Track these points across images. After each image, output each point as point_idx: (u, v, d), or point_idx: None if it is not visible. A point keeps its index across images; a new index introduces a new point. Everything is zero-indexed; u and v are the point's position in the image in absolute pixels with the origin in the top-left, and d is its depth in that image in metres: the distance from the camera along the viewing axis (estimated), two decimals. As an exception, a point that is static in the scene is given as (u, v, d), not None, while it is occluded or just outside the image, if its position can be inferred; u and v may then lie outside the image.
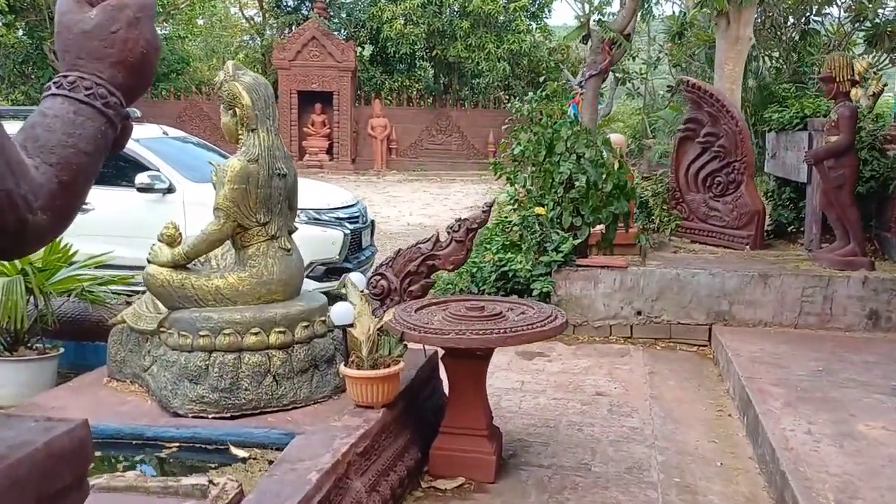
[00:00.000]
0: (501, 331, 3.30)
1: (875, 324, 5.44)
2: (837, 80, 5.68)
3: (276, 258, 3.45)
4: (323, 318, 3.46)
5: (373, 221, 8.04)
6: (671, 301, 5.74)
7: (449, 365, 3.55)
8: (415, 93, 24.30)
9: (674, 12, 20.86)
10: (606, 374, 5.10)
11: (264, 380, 3.29)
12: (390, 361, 3.29)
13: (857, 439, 3.51)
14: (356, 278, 3.71)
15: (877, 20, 13.95)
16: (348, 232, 7.11)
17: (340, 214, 7.25)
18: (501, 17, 22.83)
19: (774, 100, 14.37)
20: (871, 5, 13.21)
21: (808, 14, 14.75)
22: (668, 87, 19.72)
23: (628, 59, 21.57)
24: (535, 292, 5.83)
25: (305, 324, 3.43)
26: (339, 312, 3.25)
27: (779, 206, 7.42)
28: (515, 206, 6.33)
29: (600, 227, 6.27)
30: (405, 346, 3.43)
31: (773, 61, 15.44)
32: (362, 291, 3.71)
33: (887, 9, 14.04)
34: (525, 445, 3.92)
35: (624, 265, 5.88)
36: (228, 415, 3.24)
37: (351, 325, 3.27)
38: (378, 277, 4.08)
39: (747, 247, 6.88)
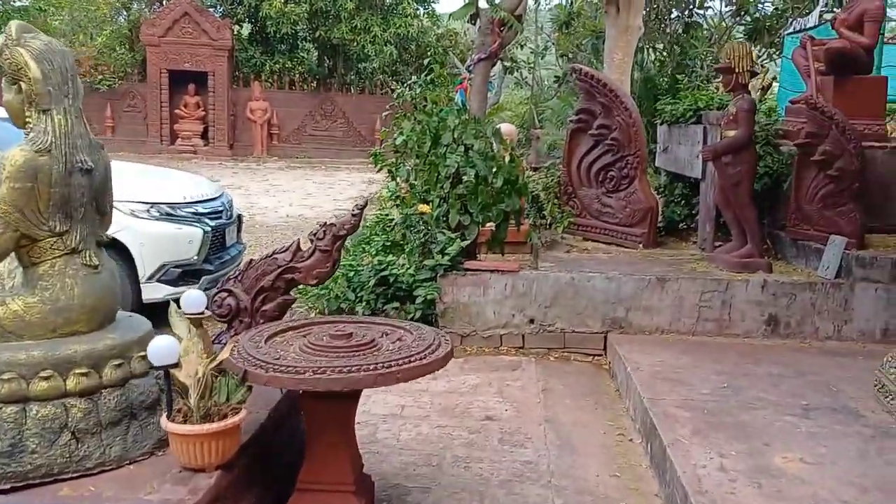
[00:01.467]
0: (372, 367, 2.66)
1: (773, 330, 5.18)
2: (737, 70, 5.37)
3: (78, 278, 2.66)
4: (143, 353, 2.69)
5: (240, 216, 7.18)
6: (566, 308, 5.27)
7: (308, 408, 2.88)
8: (297, 75, 23.16)
9: (561, 1, 20.87)
10: (497, 393, 4.56)
11: (59, 438, 2.52)
12: (228, 411, 2.58)
13: (776, 476, 3.11)
14: (192, 298, 2.96)
15: (757, 15, 14.23)
16: (209, 229, 6.25)
17: (200, 209, 6.38)
18: (388, 0, 22.06)
19: (659, 91, 14.52)
20: (752, 0, 13.37)
21: (691, 7, 14.88)
22: (556, 77, 19.70)
23: (516, 48, 21.41)
24: (418, 299, 5.22)
25: (118, 361, 2.66)
26: (159, 349, 2.50)
27: (671, 203, 7.15)
28: (398, 203, 5.70)
29: (490, 226, 5.74)
30: (249, 388, 2.74)
31: (658, 53, 15.53)
32: (201, 314, 2.98)
33: (766, 4, 14.31)
34: (402, 493, 3.31)
35: (516, 269, 5.36)
36: (8, 486, 2.45)
37: (176, 366, 2.54)
38: (224, 295, 3.34)
39: (640, 245, 6.55)
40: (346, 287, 5.47)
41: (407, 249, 5.43)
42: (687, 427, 3.60)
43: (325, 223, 3.33)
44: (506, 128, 6.96)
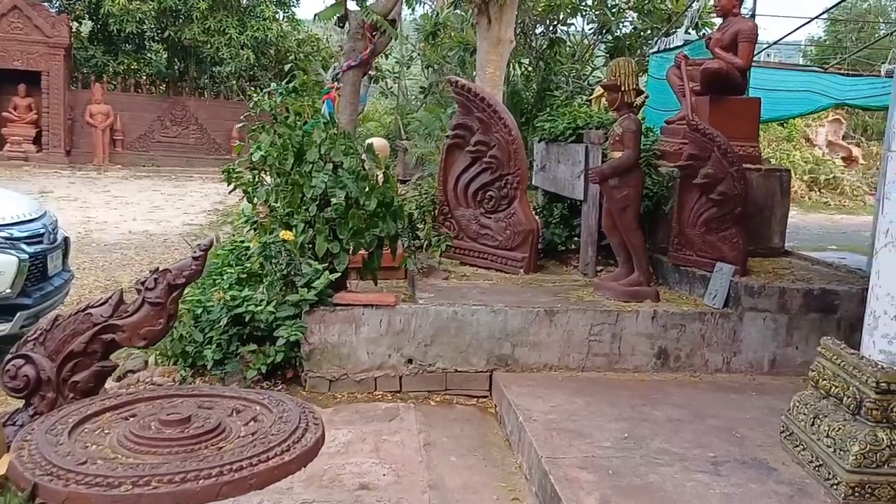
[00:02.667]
0: (216, 471, 1.99)
1: (664, 363, 4.90)
2: (623, 89, 5.07)
3: None
4: None
5: (67, 239, 6.16)
6: (447, 345, 4.75)
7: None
8: (144, 78, 21.50)
9: (427, 11, 20.61)
10: (372, 452, 3.95)
11: None
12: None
13: (701, 555, 2.70)
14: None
15: (618, 33, 14.48)
16: (26, 256, 5.28)
17: (15, 232, 5.38)
18: (245, 1, 20.91)
19: (525, 106, 14.46)
20: (613, 18, 13.56)
21: (555, 23, 14.95)
22: (422, 88, 19.37)
23: (381, 57, 20.92)
24: (280, 341, 4.53)
25: None
26: None
27: (550, 224, 6.82)
28: (255, 228, 4.97)
29: (363, 253, 5.13)
30: (40, 510, 1.99)
31: (523, 68, 15.51)
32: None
33: (625, 23, 14.60)
34: None
35: (393, 303, 4.78)
36: None
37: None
38: (20, 362, 2.55)
39: (522, 270, 6.16)
40: (193, 326, 4.69)
41: (266, 282, 4.71)
42: (594, 494, 3.15)
43: (158, 269, 2.61)
44: (378, 143, 6.39)
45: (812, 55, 27.11)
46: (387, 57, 21.09)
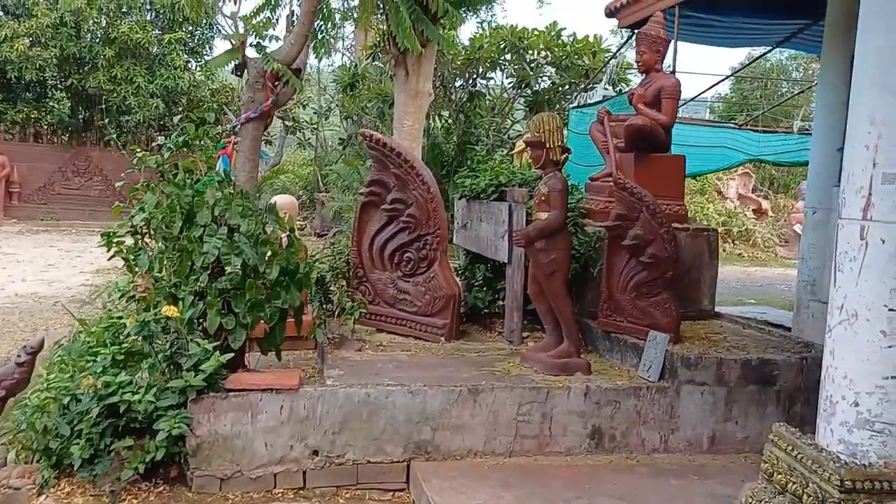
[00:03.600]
0: None
1: (598, 444, 4.48)
2: (548, 145, 4.74)
3: None
4: None
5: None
6: (359, 432, 4.20)
7: None
8: (45, 127, 20.34)
9: (345, 63, 20.31)
10: (269, 570, 3.34)
11: None
12: None
13: None
14: None
15: (537, 88, 14.48)
16: None
17: None
18: (154, 49, 20.13)
19: (446, 159, 14.20)
20: (532, 73, 13.54)
21: (474, 77, 14.87)
22: (341, 139, 18.97)
23: (298, 108, 20.42)
24: (160, 434, 3.88)
25: None
26: None
27: (473, 287, 6.40)
28: (136, 302, 4.33)
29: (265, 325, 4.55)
30: None
31: (443, 121, 15.33)
32: None
33: (543, 78, 14.64)
34: None
35: (295, 385, 4.21)
36: None
37: None
38: None
39: (443, 338, 5.69)
40: (60, 418, 3.98)
41: (146, 365, 4.07)
42: None
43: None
44: (284, 201, 5.85)
45: (719, 111, 28.16)
46: (304, 107, 20.67)
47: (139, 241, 4.44)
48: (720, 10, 7.63)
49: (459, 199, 6.68)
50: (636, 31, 6.38)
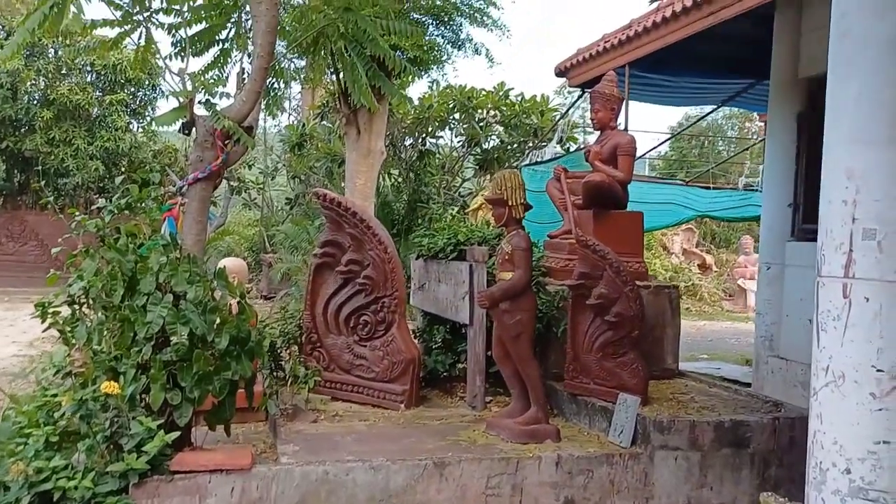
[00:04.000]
0: None
1: (572, 515, 4.24)
2: (510, 203, 4.62)
3: None
4: None
5: None
6: (318, 514, 3.88)
7: None
8: (-23, 192, 19.56)
9: (292, 122, 20.21)
10: None
11: None
12: None
13: None
14: None
15: (486, 146, 14.58)
16: None
17: None
18: (95, 111, 19.69)
19: (397, 218, 14.05)
20: (481, 132, 13.62)
21: (424, 136, 14.90)
22: (288, 199, 18.70)
23: (243, 168, 20.12)
24: (98, 526, 3.50)
25: None
26: None
27: (432, 350, 6.17)
28: (72, 377, 3.98)
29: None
30: None
31: (393, 179, 15.26)
32: None
33: (492, 137, 14.75)
34: None
35: (247, 465, 3.89)
36: None
37: None
38: None
39: (402, 405, 5.43)
40: (-17, 511, 3.57)
41: (84, 447, 3.71)
42: None
43: None
44: (233, 265, 5.59)
45: (659, 169, 28.91)
46: (250, 167, 20.39)
47: (76, 312, 4.10)
48: (668, 70, 7.78)
49: (417, 258, 6.50)
50: (590, 90, 6.42)
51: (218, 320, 4.15)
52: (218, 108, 4.06)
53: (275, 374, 6.27)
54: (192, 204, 4.19)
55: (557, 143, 11.30)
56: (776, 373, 7.03)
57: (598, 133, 6.38)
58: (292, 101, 23.34)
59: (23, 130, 18.98)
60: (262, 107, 4.28)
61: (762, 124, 15.65)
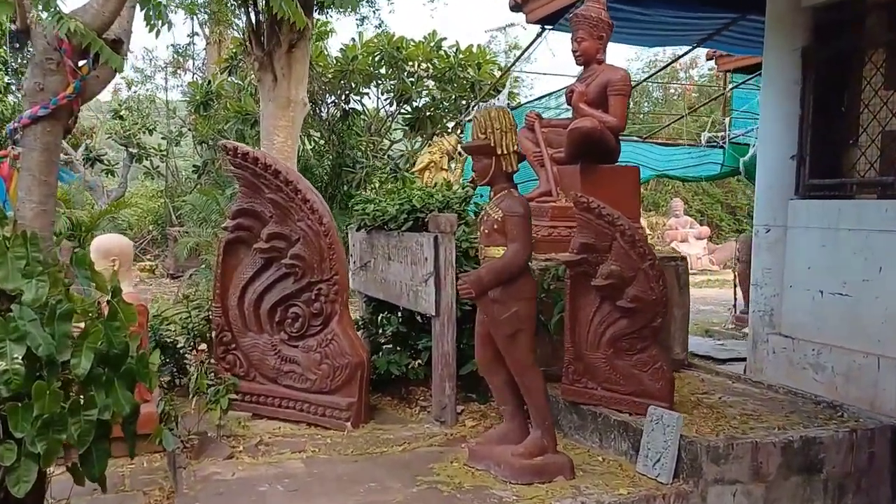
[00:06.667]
0: None
1: (601, 583, 3.06)
2: (499, 152, 3.31)
3: None
4: None
5: None
6: None
7: None
8: None
9: (196, 79, 18.21)
10: None
11: None
12: None
13: None
14: None
15: (417, 104, 13.19)
16: None
17: None
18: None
19: (319, 184, 12.53)
20: (413, 87, 12.21)
21: (348, 93, 13.36)
22: (195, 167, 16.82)
23: (143, 133, 18.05)
24: None
25: None
26: None
27: (381, 347, 4.88)
28: None
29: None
30: None
31: (313, 142, 13.71)
32: None
33: (423, 94, 13.36)
34: None
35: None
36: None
37: None
38: None
39: (349, 423, 4.13)
40: None
41: None
42: None
43: None
44: (110, 243, 4.09)
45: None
46: (151, 132, 18.34)
47: None
48: (643, 2, 6.63)
49: (358, 230, 5.14)
50: (571, 16, 5.19)
51: (77, 336, 2.73)
52: (65, 9, 2.62)
53: (177, 382, 4.88)
54: (32, 155, 2.73)
55: (507, 98, 10.04)
56: (779, 353, 6.04)
57: (580, 69, 5.15)
58: (196, 58, 21.24)
59: None
60: (138, 10, 2.86)
61: (715, 73, 14.72)
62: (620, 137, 5.06)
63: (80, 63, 2.82)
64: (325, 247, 4.25)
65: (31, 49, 2.69)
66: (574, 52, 5.04)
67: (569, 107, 5.22)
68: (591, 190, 4.61)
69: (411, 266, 4.39)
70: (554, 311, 4.22)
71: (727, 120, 10.13)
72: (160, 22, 3.31)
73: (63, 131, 2.83)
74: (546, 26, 7.21)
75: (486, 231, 3.36)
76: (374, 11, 14.45)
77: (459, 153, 6.67)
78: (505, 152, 3.32)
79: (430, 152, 6.38)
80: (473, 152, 3.41)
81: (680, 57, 10.11)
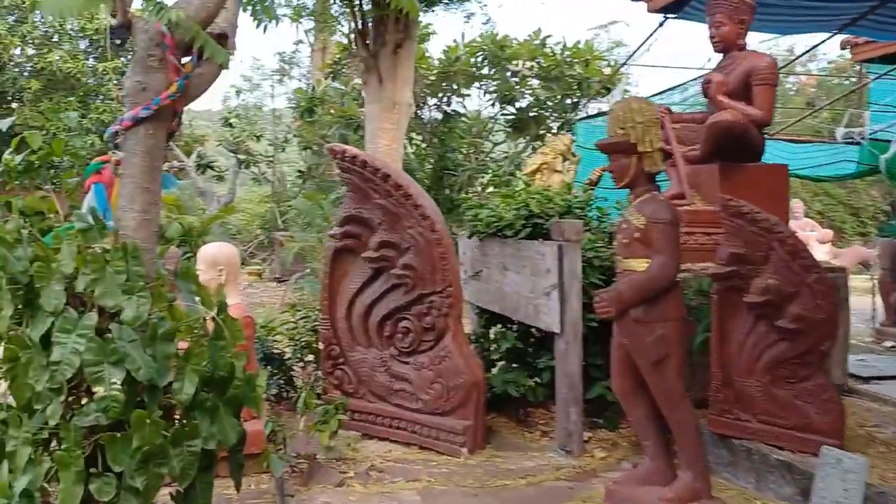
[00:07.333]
0: None
1: None
2: (641, 148, 2.88)
3: None
4: None
5: None
6: None
7: None
8: (-35, 170, 18.00)
9: (301, 86, 18.46)
10: None
11: None
12: None
13: None
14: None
15: (520, 105, 12.77)
16: None
17: None
18: (90, 80, 18.04)
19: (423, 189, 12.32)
20: (518, 87, 11.81)
21: (449, 95, 13.10)
22: (299, 171, 17.02)
23: (251, 140, 18.46)
24: None
25: None
26: None
27: (494, 364, 4.51)
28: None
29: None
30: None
31: (415, 145, 13.53)
32: None
33: (525, 94, 12.92)
34: None
35: None
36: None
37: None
38: None
39: (465, 448, 3.79)
40: None
41: None
42: None
43: None
44: (218, 252, 3.90)
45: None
46: (258, 139, 18.74)
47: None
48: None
49: (470, 237, 4.80)
50: (673, 15, 4.68)
51: (181, 354, 2.50)
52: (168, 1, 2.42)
53: (286, 395, 4.68)
54: (133, 160, 2.54)
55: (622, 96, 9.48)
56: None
57: (719, 57, 4.63)
58: (301, 66, 21.65)
59: (10, 103, 17.42)
60: (241, 3, 2.64)
61: (847, 62, 13.60)
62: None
63: (184, 60, 2.61)
64: (438, 256, 3.92)
65: (130, 46, 2.51)
66: (711, 37, 4.53)
67: (700, 101, 4.71)
68: (732, 191, 4.09)
69: (531, 277, 4.00)
70: (697, 331, 3.73)
71: (865, 114, 9.19)
72: (267, 17, 3.08)
73: (166, 134, 2.63)
74: (668, 15, 6.65)
75: (626, 240, 2.93)
76: (481, 7, 14.13)
77: (573, 153, 6.24)
78: (648, 149, 2.88)
79: (542, 153, 5.99)
80: (610, 150, 2.99)
81: (818, 45, 9.23)
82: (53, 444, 2.38)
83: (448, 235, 3.98)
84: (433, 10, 11.21)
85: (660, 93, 8.38)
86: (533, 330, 4.34)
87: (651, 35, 6.57)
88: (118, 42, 2.74)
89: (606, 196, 4.60)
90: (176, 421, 2.55)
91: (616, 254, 3.04)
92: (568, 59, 11.92)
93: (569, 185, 4.87)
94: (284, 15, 8.01)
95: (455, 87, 12.86)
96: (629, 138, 2.89)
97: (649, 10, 6.55)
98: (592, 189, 4.95)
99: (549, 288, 3.78)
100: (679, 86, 8.51)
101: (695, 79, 7.55)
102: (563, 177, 6.14)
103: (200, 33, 2.45)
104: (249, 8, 2.87)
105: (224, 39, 2.62)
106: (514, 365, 4.40)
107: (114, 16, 2.47)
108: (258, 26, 3.12)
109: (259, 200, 20.56)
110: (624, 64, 9.61)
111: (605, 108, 9.22)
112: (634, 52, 8.34)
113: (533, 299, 3.98)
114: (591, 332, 3.84)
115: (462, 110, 13.31)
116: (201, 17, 2.48)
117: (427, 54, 13.23)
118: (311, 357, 4.80)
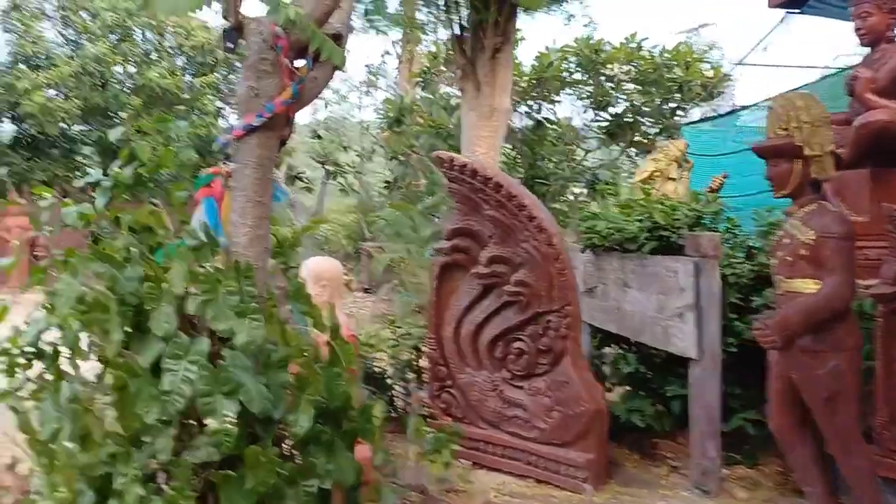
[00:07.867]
0: None
1: None
2: (808, 152, 2.51)
3: None
4: None
5: None
6: None
7: None
8: (73, 185, 18.84)
9: (390, 96, 18.49)
10: None
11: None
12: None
13: None
14: None
15: (615, 111, 12.33)
16: None
17: None
18: (186, 96, 18.62)
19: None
20: (614, 92, 11.38)
21: (539, 102, 12.78)
22: (386, 182, 17.02)
23: (338, 151, 18.61)
24: None
25: None
26: None
27: (610, 389, 4.16)
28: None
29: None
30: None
31: (506, 155, 13.24)
32: None
33: (621, 100, 12.46)
34: None
35: None
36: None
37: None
38: None
39: (587, 483, 3.45)
40: None
41: None
42: None
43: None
44: (322, 267, 3.70)
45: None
46: (346, 150, 18.88)
47: (51, 368, 2.31)
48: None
49: (583, 250, 4.47)
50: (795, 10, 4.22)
51: (292, 384, 2.28)
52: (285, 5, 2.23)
53: (390, 413, 4.43)
54: (245, 172, 2.35)
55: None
56: None
57: (866, 50, 4.16)
58: (388, 77, 21.73)
59: (113, 119, 18.14)
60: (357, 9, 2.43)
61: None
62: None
63: (298, 63, 2.42)
64: (556, 272, 3.62)
65: (243, 51, 2.32)
66: (857, 30, 4.07)
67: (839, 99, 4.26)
68: (885, 200, 3.64)
69: (658, 295, 3.64)
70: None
71: None
72: (381, 16, 2.88)
73: (280, 143, 2.44)
74: (790, 10, 6.17)
75: (789, 258, 2.55)
76: (584, 8, 13.78)
77: (686, 159, 5.83)
78: (816, 153, 2.50)
79: (654, 160, 5.61)
80: (770, 154, 2.62)
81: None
82: (159, 478, 2.22)
83: (565, 251, 3.67)
84: (532, 15, 10.92)
85: (737, 110, 7.79)
86: (654, 352, 3.97)
87: (771, 32, 6.08)
88: (231, 46, 2.61)
89: (739, 205, 4.19)
90: (288, 455, 2.34)
91: (776, 273, 2.66)
92: (667, 63, 11.43)
93: (696, 193, 4.47)
94: (386, 25, 7.85)
95: (546, 93, 12.54)
96: (793, 140, 2.52)
97: (770, 6, 6.09)
98: (716, 197, 4.54)
99: (682, 308, 3.41)
100: (806, 85, 7.91)
101: (824, 77, 6.96)
102: (678, 185, 5.75)
103: (317, 33, 2.24)
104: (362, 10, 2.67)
105: (339, 40, 2.41)
106: (640, 392, 4.03)
107: (226, 17, 2.29)
108: (375, 29, 2.91)
109: (345, 211, 20.73)
110: (739, 63, 9.03)
111: (710, 112, 8.69)
112: (752, 50, 7.80)
113: (661, 320, 3.62)
114: (731, 357, 3.45)
115: (553, 117, 12.97)
116: (317, 15, 2.28)
117: (517, 60, 12.98)
118: (411, 375, 4.58)
